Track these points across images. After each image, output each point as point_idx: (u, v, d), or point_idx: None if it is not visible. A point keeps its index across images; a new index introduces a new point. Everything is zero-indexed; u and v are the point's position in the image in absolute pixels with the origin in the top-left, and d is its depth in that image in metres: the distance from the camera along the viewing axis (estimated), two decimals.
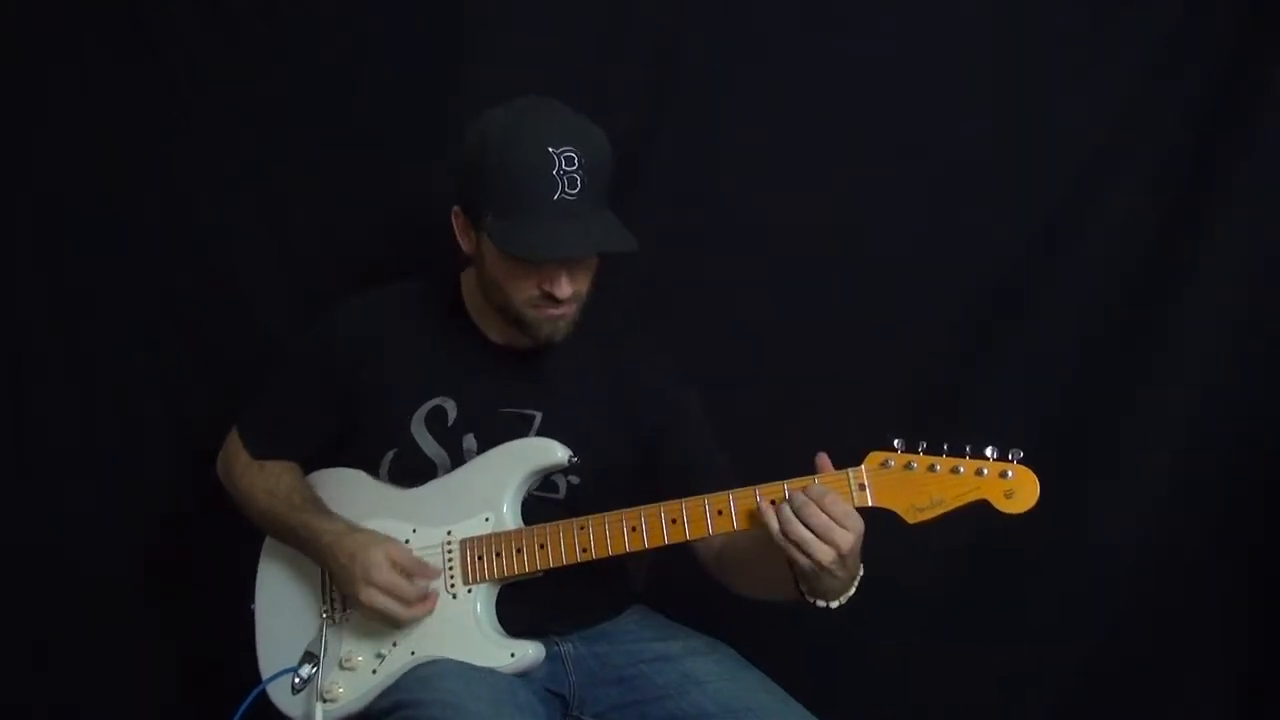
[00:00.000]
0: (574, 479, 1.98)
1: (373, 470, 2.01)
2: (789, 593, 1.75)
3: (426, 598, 1.89)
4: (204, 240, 2.57)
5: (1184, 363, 2.38)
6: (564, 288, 1.85)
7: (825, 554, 1.63)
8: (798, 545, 1.63)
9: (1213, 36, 2.32)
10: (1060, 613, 2.48)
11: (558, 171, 1.78)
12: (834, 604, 1.72)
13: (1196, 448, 2.40)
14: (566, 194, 1.79)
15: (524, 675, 1.89)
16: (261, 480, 2.05)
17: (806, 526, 1.63)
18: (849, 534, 1.63)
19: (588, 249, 1.84)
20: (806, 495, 1.64)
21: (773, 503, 1.68)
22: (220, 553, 2.21)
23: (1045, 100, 2.37)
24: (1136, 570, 2.45)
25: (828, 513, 1.63)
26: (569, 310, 1.89)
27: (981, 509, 1.68)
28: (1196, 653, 2.47)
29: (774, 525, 1.65)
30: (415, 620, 1.89)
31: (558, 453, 1.90)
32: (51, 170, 2.55)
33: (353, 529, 1.94)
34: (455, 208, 1.92)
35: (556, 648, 1.96)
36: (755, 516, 1.71)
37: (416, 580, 1.88)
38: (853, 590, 1.72)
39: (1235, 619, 2.46)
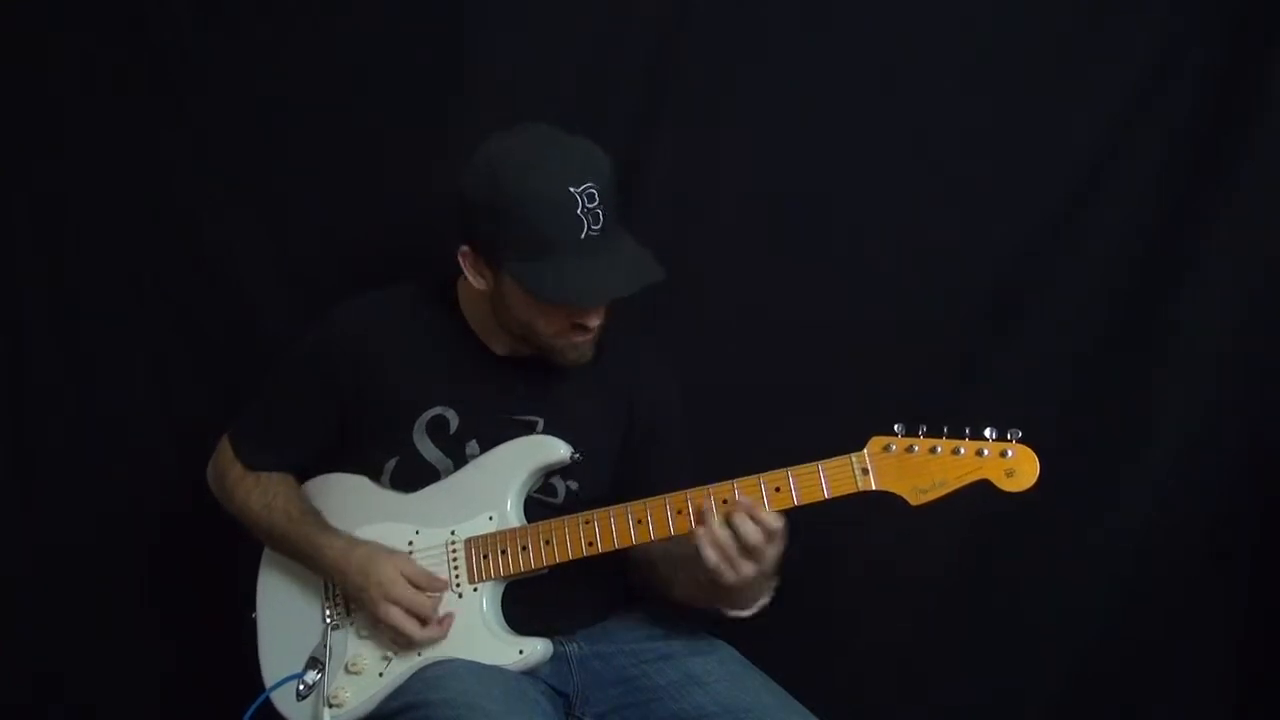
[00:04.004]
0: (572, 484, 1.99)
1: (375, 477, 2.00)
2: (707, 602, 1.84)
3: (442, 620, 1.89)
4: (204, 240, 2.56)
5: (1184, 363, 2.38)
6: (596, 320, 1.86)
7: (748, 569, 1.72)
8: (729, 562, 1.71)
9: (1213, 36, 2.32)
10: (1060, 612, 2.48)
11: (582, 210, 1.77)
12: (745, 613, 1.83)
13: (1196, 447, 2.40)
14: (592, 230, 1.78)
15: (530, 673, 1.90)
16: (258, 493, 2.04)
17: (736, 538, 1.71)
18: (773, 549, 1.73)
19: (627, 289, 1.83)
20: (740, 508, 1.72)
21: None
22: (221, 554, 2.21)
23: (1046, 99, 2.37)
24: (1136, 570, 2.45)
25: (760, 525, 1.71)
26: (596, 334, 1.90)
27: (984, 489, 1.70)
28: (1196, 653, 2.47)
29: (710, 534, 1.72)
30: (427, 642, 1.89)
31: (560, 450, 1.91)
32: (51, 170, 2.55)
33: (355, 543, 1.94)
34: (465, 248, 1.89)
35: (561, 647, 1.96)
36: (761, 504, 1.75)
37: (430, 595, 1.88)
38: (765, 600, 1.82)
39: (1235, 619, 2.46)
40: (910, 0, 2.40)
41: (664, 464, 2.01)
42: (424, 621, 1.88)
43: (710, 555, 1.72)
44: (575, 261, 1.78)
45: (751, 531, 1.71)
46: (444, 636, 1.89)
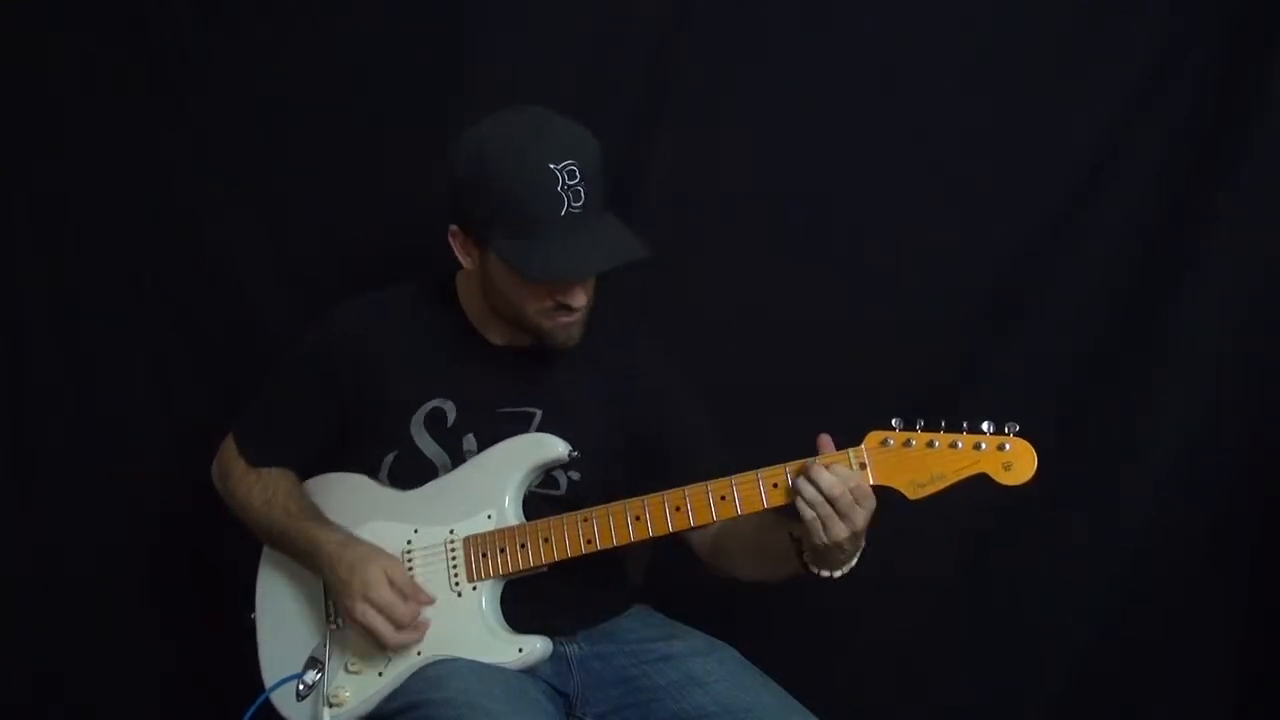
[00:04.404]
0: (574, 475, 1.98)
1: (373, 473, 2.01)
2: (791, 566, 1.82)
3: (416, 626, 1.88)
4: (204, 241, 2.56)
5: (1184, 363, 2.38)
6: (579, 298, 1.86)
7: (840, 531, 1.69)
8: (822, 521, 1.69)
9: (1213, 36, 2.32)
10: (1060, 612, 2.48)
11: (562, 187, 1.78)
12: (836, 574, 1.79)
13: (1196, 447, 2.40)
14: (573, 208, 1.79)
15: (531, 673, 1.90)
16: (259, 490, 2.04)
17: (829, 502, 1.68)
18: (863, 511, 1.69)
19: (608, 264, 1.84)
20: (831, 473, 1.69)
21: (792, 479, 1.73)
22: (221, 554, 2.21)
23: (1046, 99, 2.38)
24: (1136, 570, 2.45)
25: (849, 489, 1.68)
26: (581, 315, 1.90)
27: (982, 483, 1.70)
28: (1196, 653, 2.47)
29: (802, 502, 1.70)
30: (401, 646, 1.88)
31: (558, 447, 1.91)
32: (51, 170, 2.55)
33: (352, 540, 1.93)
34: (453, 227, 1.90)
35: (562, 648, 1.96)
36: (758, 500, 1.76)
37: (410, 604, 1.88)
38: (854, 563, 1.78)
39: (1235, 619, 2.46)
40: (910, 0, 2.41)
41: (684, 439, 2.01)
42: (398, 628, 1.87)
43: (807, 512, 1.70)
44: (558, 240, 1.79)
45: (833, 483, 1.68)
46: (416, 640, 1.88)
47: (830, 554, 1.74)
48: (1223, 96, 2.32)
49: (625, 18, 2.45)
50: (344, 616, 1.92)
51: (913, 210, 2.42)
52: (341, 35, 2.51)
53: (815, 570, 1.79)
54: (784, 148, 2.43)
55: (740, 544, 1.95)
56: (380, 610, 1.86)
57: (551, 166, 1.78)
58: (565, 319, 1.89)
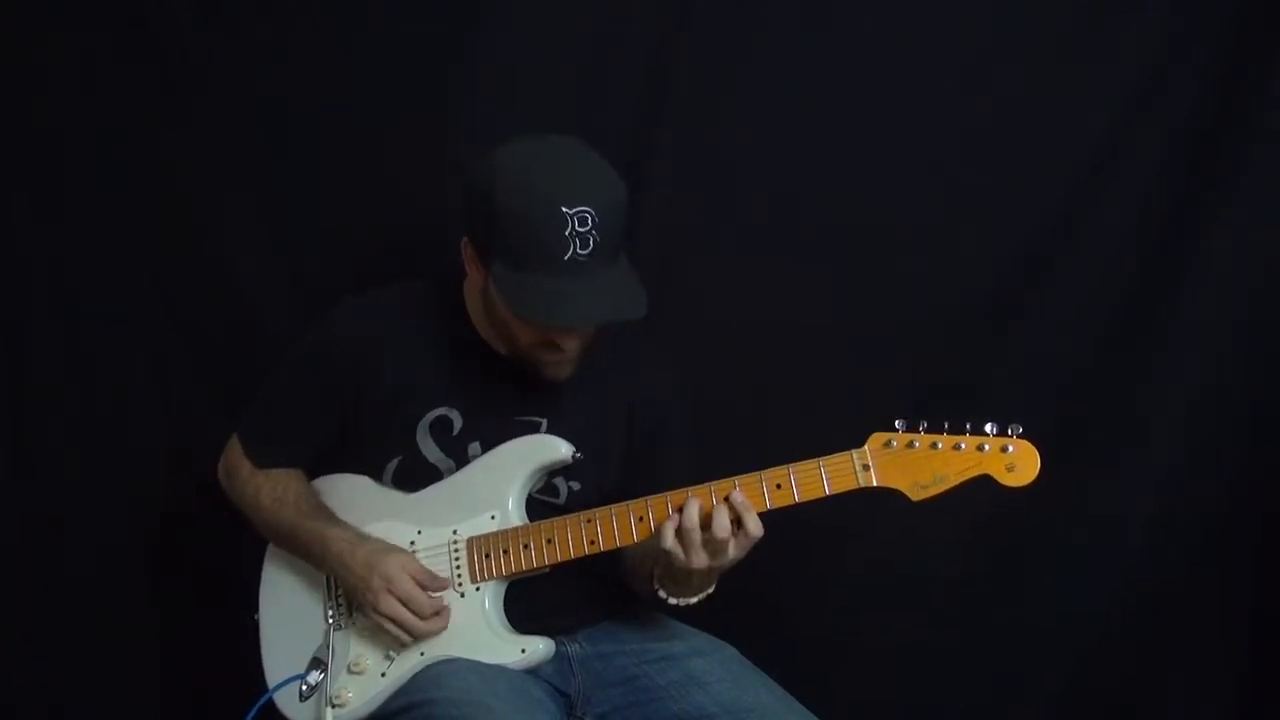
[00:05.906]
0: (574, 485, 1.99)
1: (376, 476, 2.01)
2: (647, 580, 1.90)
3: (439, 613, 1.89)
4: (204, 240, 2.56)
5: (1184, 362, 2.38)
6: (571, 341, 1.85)
7: (700, 559, 1.75)
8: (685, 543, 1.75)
9: (1212, 36, 2.33)
10: (1060, 611, 2.49)
11: (570, 232, 1.74)
12: (679, 602, 1.88)
13: (1196, 446, 2.41)
14: (578, 254, 1.75)
15: (533, 673, 1.90)
16: (268, 489, 2.04)
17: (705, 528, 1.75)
18: (733, 549, 1.76)
19: (593, 320, 1.83)
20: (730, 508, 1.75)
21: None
22: (221, 554, 2.21)
23: (1046, 99, 2.38)
24: (1136, 568, 2.46)
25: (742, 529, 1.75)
26: (574, 354, 1.89)
27: (984, 484, 1.71)
28: (1196, 652, 2.48)
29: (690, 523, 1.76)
30: (428, 634, 1.89)
31: (561, 448, 1.91)
32: (51, 170, 2.55)
33: (363, 538, 1.94)
34: (465, 238, 1.89)
35: (563, 647, 1.96)
36: (762, 502, 1.78)
37: (429, 593, 1.89)
38: (694, 600, 1.87)
39: (1235, 618, 2.46)
40: (910, 0, 2.40)
41: (665, 469, 2.00)
42: (421, 618, 1.88)
43: (669, 537, 1.76)
44: (554, 281, 1.76)
45: (722, 527, 1.73)
46: (443, 628, 1.89)
47: (682, 582, 1.82)
48: (1223, 96, 2.32)
49: (625, 18, 2.45)
50: (366, 612, 1.92)
51: (913, 210, 2.42)
52: (341, 35, 2.50)
53: (662, 595, 1.87)
54: (784, 148, 2.43)
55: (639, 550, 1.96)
56: (404, 602, 1.87)
57: (565, 210, 1.74)
58: (556, 356, 1.88)
